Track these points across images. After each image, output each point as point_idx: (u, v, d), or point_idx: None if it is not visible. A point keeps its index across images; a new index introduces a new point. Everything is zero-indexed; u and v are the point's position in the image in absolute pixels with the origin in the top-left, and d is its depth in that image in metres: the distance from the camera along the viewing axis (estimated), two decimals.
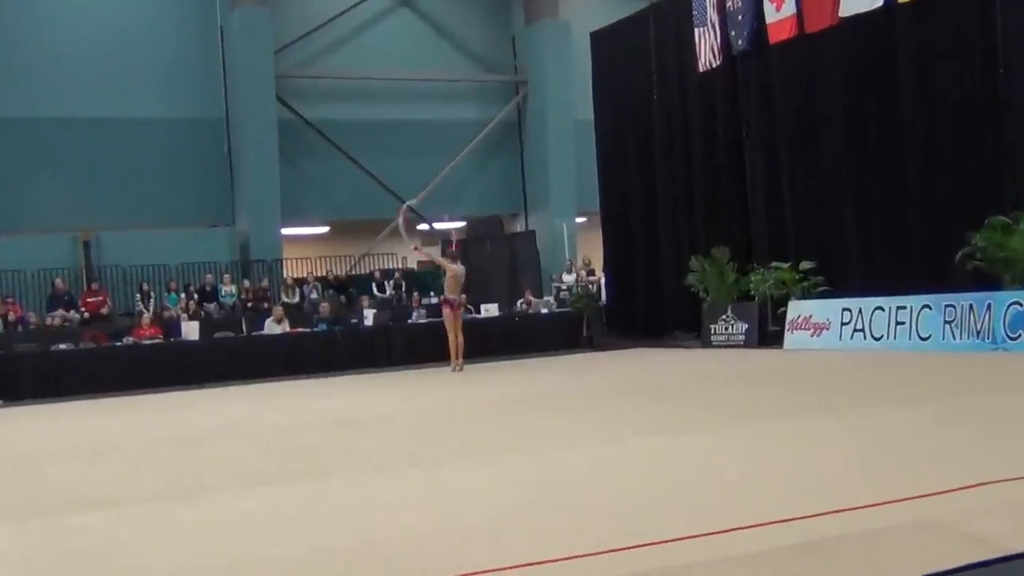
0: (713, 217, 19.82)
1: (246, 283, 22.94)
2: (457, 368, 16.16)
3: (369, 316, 20.46)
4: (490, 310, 21.26)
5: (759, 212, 18.61)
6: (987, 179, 14.63)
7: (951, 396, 9.02)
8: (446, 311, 16.02)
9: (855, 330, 15.14)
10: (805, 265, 16.71)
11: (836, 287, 16.31)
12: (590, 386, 12.52)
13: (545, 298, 23.05)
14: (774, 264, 17.19)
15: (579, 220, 27.79)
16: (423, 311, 21.38)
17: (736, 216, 19.25)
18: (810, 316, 16.06)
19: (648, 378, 13.21)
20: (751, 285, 17.38)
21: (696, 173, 20.29)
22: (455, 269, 16.05)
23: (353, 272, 26.34)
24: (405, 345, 19.71)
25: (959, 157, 14.99)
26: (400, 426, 9.69)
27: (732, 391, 10.71)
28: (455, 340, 16.14)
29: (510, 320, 21.23)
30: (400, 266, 26.71)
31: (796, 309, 16.41)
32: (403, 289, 23.97)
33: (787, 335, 16.40)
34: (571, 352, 19.90)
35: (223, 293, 22.22)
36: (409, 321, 20.78)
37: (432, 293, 23.86)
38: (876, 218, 16.33)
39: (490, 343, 20.09)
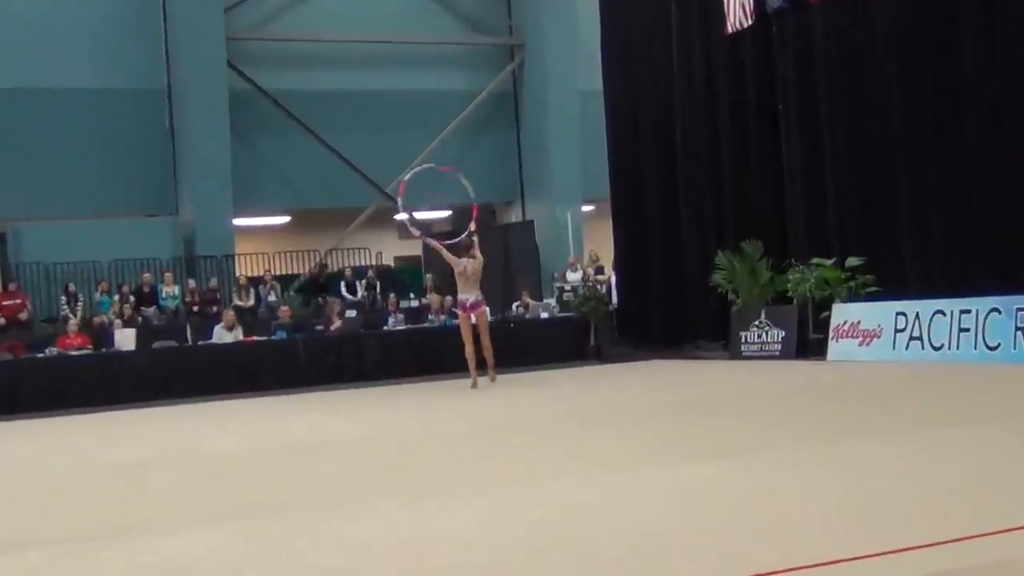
0: (744, 205, 19.80)
1: (191, 283, 22.88)
2: (489, 379, 15.78)
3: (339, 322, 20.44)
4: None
5: (797, 199, 18.59)
6: None
7: (1018, 416, 8.98)
8: (460, 315, 15.71)
9: (911, 338, 15.11)
10: (852, 262, 16.69)
11: (888, 288, 16.28)
12: (598, 406, 12.49)
13: (545, 300, 23.03)
14: (815, 261, 17.17)
15: (585, 209, 27.80)
16: (401, 316, 21.35)
17: (771, 204, 19.23)
18: (858, 322, 16.04)
19: (666, 395, 13.17)
20: (788, 285, 17.36)
21: (724, 153, 20.27)
22: (463, 265, 15.65)
23: (319, 270, 26.29)
24: (380, 357, 19.69)
25: None
26: (374, 454, 9.63)
27: (765, 412, 10.66)
28: (472, 349, 15.60)
29: (504, 327, 21.15)
30: (374, 263, 26.72)
31: (842, 314, 16.39)
32: (377, 290, 23.94)
33: (831, 344, 16.38)
34: (576, 364, 19.88)
35: (164, 295, 22.17)
36: (385, 328, 20.76)
37: (412, 295, 23.84)
38: (936, 206, 16.30)
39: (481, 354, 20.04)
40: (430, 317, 21.22)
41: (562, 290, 22.88)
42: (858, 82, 17.55)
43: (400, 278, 26.38)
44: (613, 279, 23.24)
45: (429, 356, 19.66)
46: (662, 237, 21.78)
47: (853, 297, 16.55)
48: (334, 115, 25.95)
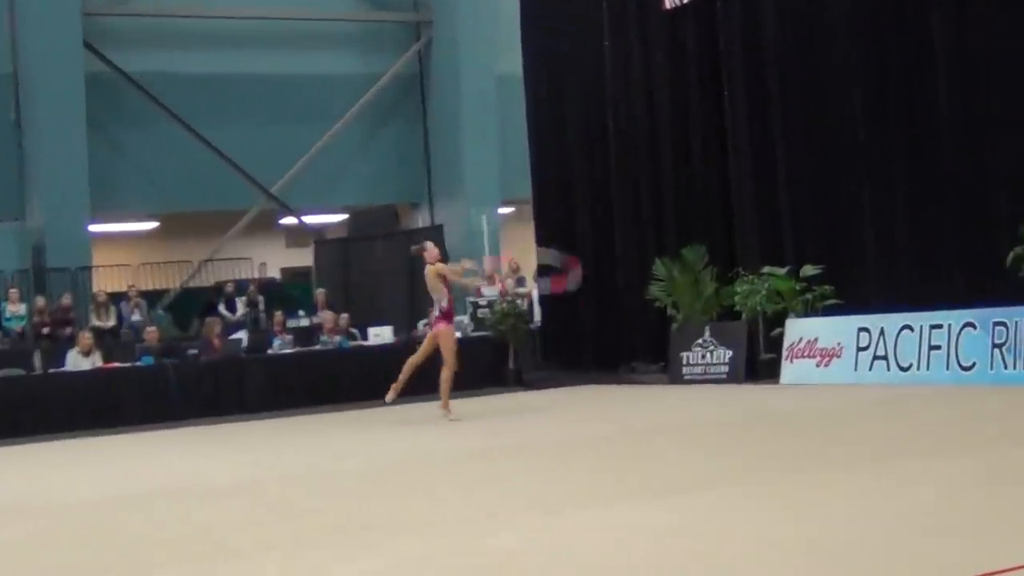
0: (685, 206, 19.93)
1: (40, 300, 22.45)
2: (444, 415, 15.29)
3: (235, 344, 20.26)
4: (382, 335, 21.11)
5: (746, 199, 18.77)
6: None
7: (1002, 446, 9.09)
8: (451, 328, 15.18)
9: (875, 358, 15.30)
10: (808, 271, 16.86)
11: (850, 300, 16.48)
12: (516, 439, 12.46)
13: (457, 318, 22.86)
14: (767, 270, 17.33)
15: (504, 211, 27.83)
16: (289, 338, 21.18)
17: (716, 205, 19.39)
18: (815, 340, 16.20)
19: (596, 427, 13.16)
20: (736, 298, 17.49)
21: (663, 146, 20.39)
22: (444, 268, 15.16)
23: (192, 284, 26.02)
24: (264, 385, 19.53)
25: (1012, 126, 15.26)
26: (255, 499, 9.52)
27: (708, 444, 10.70)
28: (414, 367, 15.38)
29: (410, 349, 21.01)
30: (257, 275, 26.51)
31: (797, 330, 16.55)
32: (261, 307, 23.75)
33: (785, 365, 16.52)
34: (493, 391, 19.84)
35: (7, 315, 21.76)
36: (270, 352, 20.57)
37: (302, 312, 23.66)
38: (904, 206, 16.52)
39: (382, 381, 19.71)
40: (322, 338, 21.06)
41: (476, 306, 22.81)
42: (813, 64, 17.76)
43: (288, 293, 26.16)
44: (535, 293, 23.25)
45: (322, 383, 19.58)
46: (592, 243, 21.84)
47: (810, 311, 16.71)
48: (210, 103, 25.69)
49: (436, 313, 15.10)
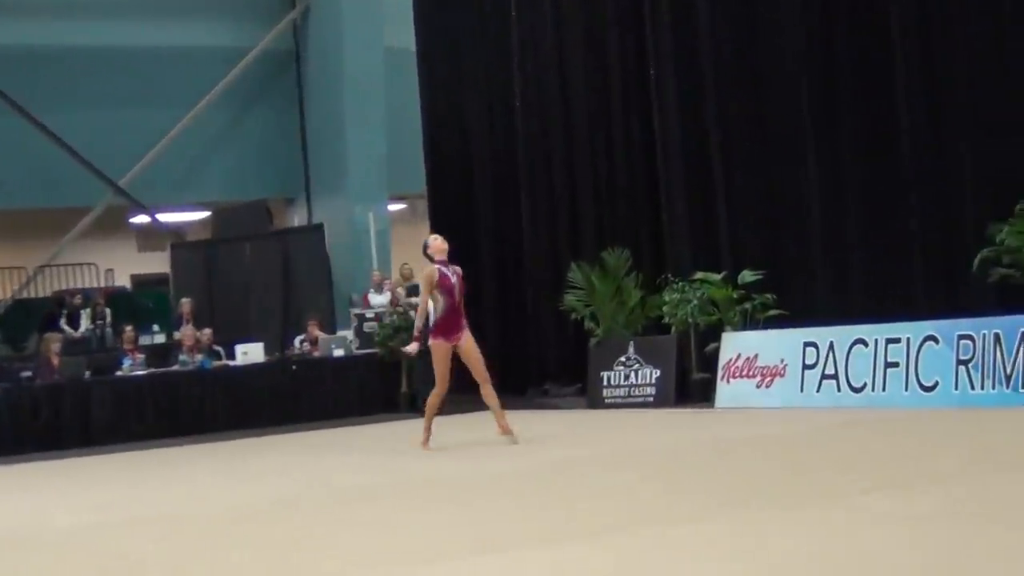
0: (606, 204, 19.94)
1: None
2: (509, 434, 14.32)
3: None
4: (251, 353, 20.89)
5: (676, 195, 18.82)
6: (1019, 146, 15.10)
7: (969, 478, 9.14)
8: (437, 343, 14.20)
9: (824, 377, 15.35)
10: (747, 277, 16.93)
11: (795, 311, 16.54)
12: (403, 476, 12.39)
13: (341, 333, 22.82)
14: (700, 276, 17.37)
15: (394, 208, 27.75)
16: (141, 357, 20.88)
17: (641, 201, 19.44)
18: (755, 356, 16.25)
19: (496, 461, 13.08)
20: (664, 309, 17.51)
21: (579, 133, 20.41)
22: (429, 275, 14.23)
23: (26, 294, 25.57)
24: (112, 413, 19.27)
25: (977, 116, 15.44)
26: (99, 551, 9.34)
27: (624, 480, 10.65)
28: (441, 391, 14.25)
29: (284, 370, 20.90)
30: (103, 284, 26.16)
31: (734, 345, 16.59)
32: (108, 322, 23.40)
33: (720, 386, 16.55)
34: (383, 418, 19.73)
35: None
36: (119, 373, 20.29)
37: (156, 327, 23.38)
38: (855, 205, 16.65)
39: (251, 407, 19.93)
40: (181, 357, 20.79)
41: (363, 318, 22.67)
42: (756, 47, 17.85)
43: (140, 304, 25.83)
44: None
45: (180, 411, 19.44)
46: (497, 246, 21.80)
47: (749, 324, 16.77)
48: (45, 82, 25.26)
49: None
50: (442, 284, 13.86)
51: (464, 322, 14.12)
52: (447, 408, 20.00)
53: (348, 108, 26.71)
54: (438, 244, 14.14)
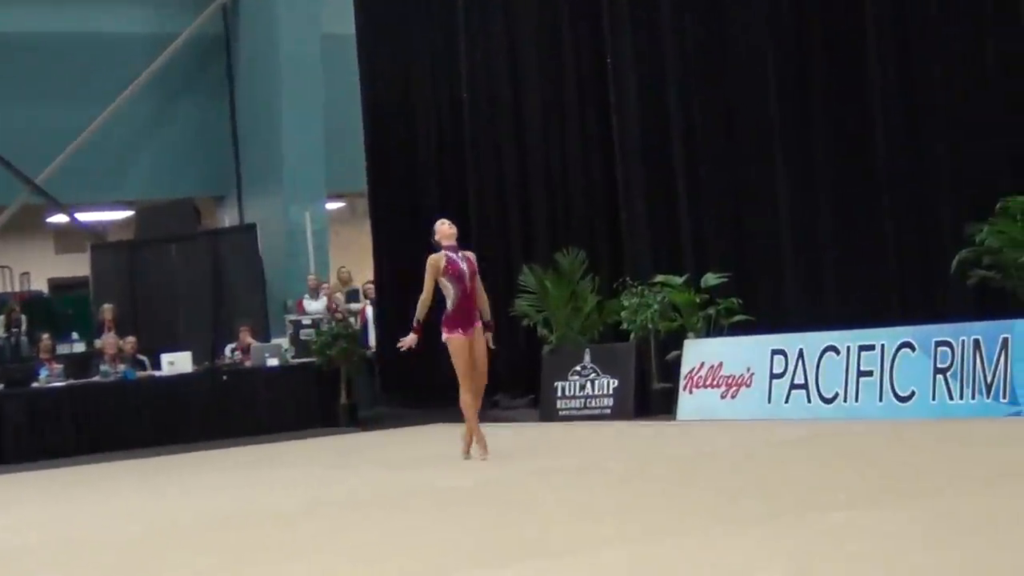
0: (560, 202, 19.93)
1: None
2: (475, 454, 13.84)
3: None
4: (178, 363, 20.78)
5: (635, 192, 18.86)
6: (1001, 141, 15.17)
7: (948, 494, 9.17)
8: (454, 338, 13.66)
9: (793, 387, 15.37)
10: (711, 280, 16.95)
11: (762, 316, 16.61)
12: (340, 494, 12.35)
13: (275, 341, 22.74)
14: (661, 279, 17.36)
15: (332, 206, 27.65)
16: (59, 368, 20.73)
17: (598, 199, 19.45)
18: (720, 365, 16.25)
19: (441, 477, 13.05)
20: (623, 314, 17.49)
21: (531, 127, 20.40)
22: (434, 261, 13.80)
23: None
24: (26, 429, 19.21)
25: (955, 112, 15.51)
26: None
27: (576, 500, 10.62)
28: (470, 386, 13.74)
29: (214, 381, 20.80)
30: (18, 288, 25.99)
31: (697, 353, 16.60)
32: (23, 330, 23.26)
33: (682, 396, 16.56)
34: (321, 432, 19.69)
35: None
36: (35, 385, 20.15)
37: (76, 335, 23.22)
38: (826, 203, 16.69)
39: (179, 421, 19.87)
40: (103, 367, 20.65)
41: (299, 325, 22.61)
42: (717, 31, 17.90)
43: (57, 310, 25.65)
44: (370, 310, 23.09)
45: (101, 425, 19.33)
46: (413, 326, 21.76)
47: (713, 330, 16.78)
48: None
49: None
50: (451, 270, 13.39)
51: (477, 312, 13.73)
52: (407, 420, 20.11)
53: (283, 99, 26.59)
54: (444, 229, 13.66)
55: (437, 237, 13.61)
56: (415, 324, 13.66)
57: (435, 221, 13.77)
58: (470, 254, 13.78)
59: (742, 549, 7.52)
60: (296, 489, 13.04)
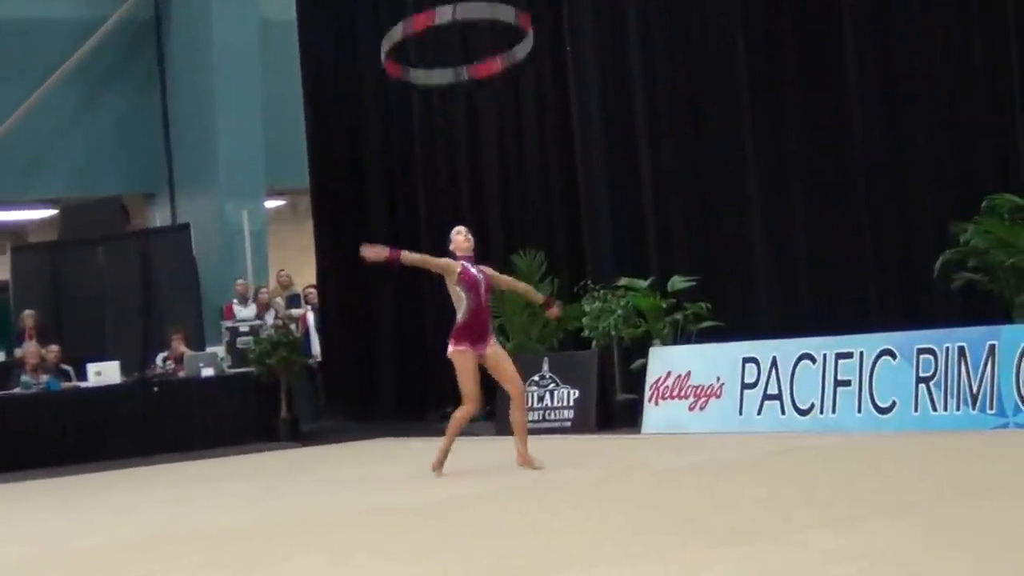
0: (517, 200, 19.91)
1: None
2: (529, 464, 13.86)
3: None
4: (105, 373, 20.65)
5: (597, 190, 18.88)
6: (988, 134, 15.26)
7: (934, 511, 9.18)
8: (459, 351, 13.43)
9: (766, 397, 15.40)
10: (678, 284, 16.96)
11: (733, 322, 16.65)
12: (281, 514, 12.28)
13: (210, 349, 22.62)
14: (625, 282, 17.39)
15: (272, 204, 27.57)
16: None
17: (558, 197, 19.45)
18: (688, 374, 16.26)
19: (388, 496, 13.02)
20: (584, 320, 17.49)
21: (485, 119, 20.36)
22: (451, 263, 13.45)
23: None
24: None
25: (938, 103, 15.57)
26: None
27: (538, 519, 10.60)
28: (471, 409, 13.64)
29: (144, 392, 20.69)
30: None
31: (664, 362, 16.60)
32: None
33: (648, 408, 16.56)
34: (260, 448, 19.62)
35: None
36: None
37: None
38: (800, 204, 16.73)
39: (106, 435, 19.74)
40: (23, 378, 20.49)
41: (236, 333, 22.50)
42: (687, 15, 17.96)
43: None
44: (311, 317, 23.02)
45: (21, 440, 19.17)
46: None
47: (680, 337, 16.79)
48: None
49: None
50: (465, 278, 13.27)
51: (491, 327, 13.64)
52: (351, 434, 20.04)
53: (218, 89, 26.45)
54: (460, 240, 13.48)
55: (452, 247, 13.49)
56: (398, 252, 13.45)
57: (450, 229, 13.65)
58: (487, 269, 13.63)
59: (716, 574, 7.51)
60: (231, 509, 12.98)
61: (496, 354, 13.52)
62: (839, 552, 7.80)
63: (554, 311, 14.24)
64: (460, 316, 13.28)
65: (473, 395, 13.44)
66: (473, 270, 13.33)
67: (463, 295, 13.24)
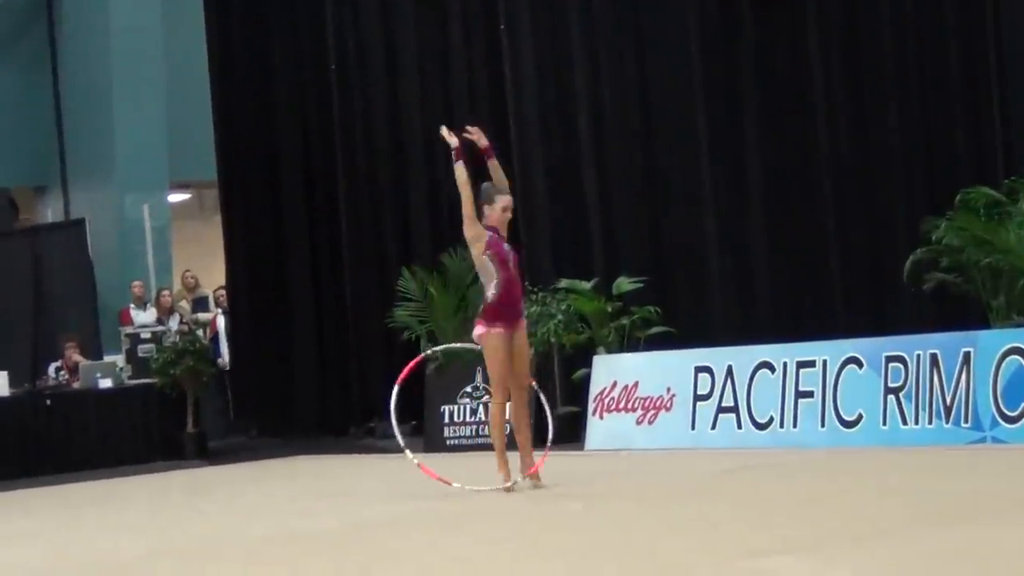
0: (446, 195, 19.87)
1: None
2: (530, 479, 13.45)
3: None
4: None
5: (535, 182, 18.91)
6: (962, 123, 15.36)
7: (890, 536, 9.21)
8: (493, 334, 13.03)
9: (721, 410, 15.43)
10: (624, 286, 16.98)
11: (684, 328, 16.69)
12: (180, 542, 12.20)
13: (109, 358, 22.54)
14: (565, 284, 17.39)
15: (176, 198, 27.50)
16: None
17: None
18: (635, 385, 16.28)
19: (301, 520, 12.97)
20: None
21: (411, 108, 20.33)
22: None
23: None
24: None
25: (908, 90, 15.67)
26: None
27: (470, 543, 10.62)
28: (503, 400, 13.22)
29: (35, 405, 20.59)
30: None
31: (609, 371, 16.62)
32: None
33: (591, 422, 16.59)
34: (164, 466, 19.63)
35: None
36: None
37: None
38: (758, 198, 16.78)
39: None
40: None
41: (137, 340, 22.41)
42: (634, 1, 18.00)
43: None
44: (222, 320, 22.94)
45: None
46: (308, 245, 21.69)
47: (627, 344, 16.81)
48: None
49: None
50: (495, 249, 12.81)
51: (523, 306, 13.42)
52: (264, 452, 19.99)
53: (116, 71, 26.37)
54: (497, 211, 12.91)
55: (487, 221, 12.91)
56: (461, 158, 13.10)
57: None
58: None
59: None
60: (130, 535, 12.90)
61: (523, 342, 13.17)
62: None
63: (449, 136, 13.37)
64: (491, 293, 12.80)
65: (505, 383, 13.06)
66: (503, 244, 12.90)
67: (492, 268, 12.79)
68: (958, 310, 14.47)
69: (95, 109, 26.71)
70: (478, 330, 12.91)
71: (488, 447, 17.20)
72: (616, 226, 18.01)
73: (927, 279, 14.42)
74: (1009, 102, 14.92)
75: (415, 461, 13.39)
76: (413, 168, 20.41)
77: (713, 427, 15.45)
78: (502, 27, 18.97)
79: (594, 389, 16.63)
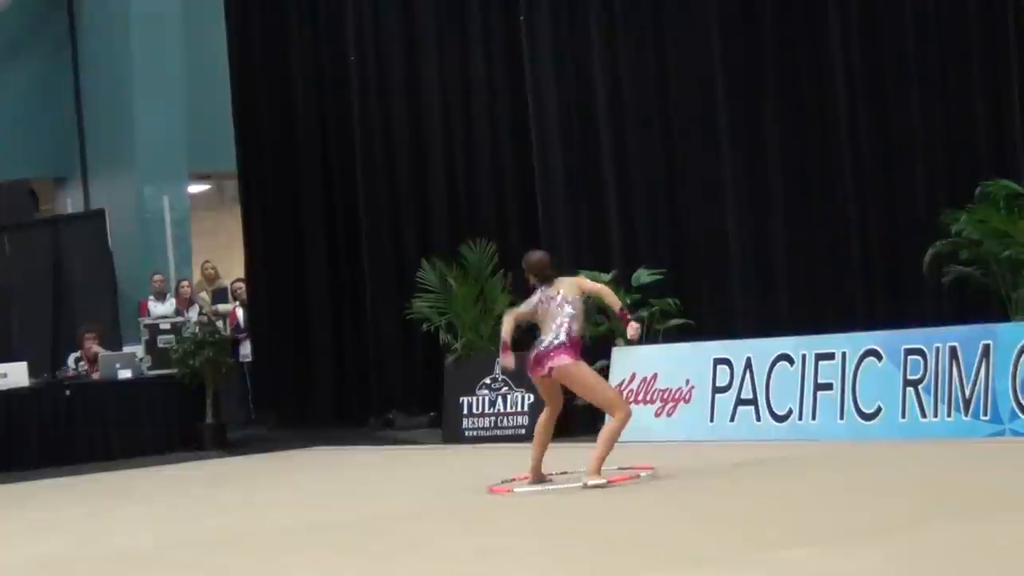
0: (465, 186, 19.90)
1: None
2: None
3: None
4: (12, 375, 20.50)
5: (554, 174, 18.90)
6: (983, 116, 15.32)
7: (909, 529, 9.20)
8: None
9: (740, 402, 15.44)
10: (644, 277, 16.99)
11: (703, 320, 16.72)
12: (182, 536, 12.18)
13: (128, 349, 22.52)
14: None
15: (196, 189, 27.47)
16: None
17: (511, 183, 19.53)
18: (654, 377, 16.28)
19: (325, 512, 12.99)
20: None
21: (430, 99, 20.32)
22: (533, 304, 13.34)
23: None
24: None
25: (928, 83, 15.63)
26: None
27: (487, 540, 10.63)
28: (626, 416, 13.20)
29: (55, 396, 20.58)
30: None
31: (627, 363, 16.62)
32: None
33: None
34: (182, 457, 19.57)
35: None
36: None
37: None
38: (778, 190, 16.75)
39: (13, 445, 19.60)
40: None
41: (156, 331, 22.39)
42: None
43: None
44: (241, 312, 22.92)
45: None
46: (328, 237, 21.67)
47: (646, 336, 16.79)
48: None
49: (550, 344, 13.37)
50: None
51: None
52: (282, 443, 19.96)
53: (136, 63, 26.34)
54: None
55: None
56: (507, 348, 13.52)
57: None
58: (566, 280, 13.37)
59: None
60: (149, 526, 12.91)
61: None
62: (820, 573, 7.81)
63: (631, 329, 13.37)
64: (577, 327, 13.04)
65: (619, 398, 13.48)
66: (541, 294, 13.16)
67: (572, 311, 13.02)
68: (977, 303, 14.45)
69: (115, 100, 26.69)
70: (565, 360, 12.92)
71: (506, 439, 17.33)
72: (635, 218, 17.99)
73: (946, 272, 14.42)
74: None
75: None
76: (432, 158, 20.38)
77: (732, 419, 15.44)
78: (521, 18, 18.96)
79: (613, 381, 16.59)
